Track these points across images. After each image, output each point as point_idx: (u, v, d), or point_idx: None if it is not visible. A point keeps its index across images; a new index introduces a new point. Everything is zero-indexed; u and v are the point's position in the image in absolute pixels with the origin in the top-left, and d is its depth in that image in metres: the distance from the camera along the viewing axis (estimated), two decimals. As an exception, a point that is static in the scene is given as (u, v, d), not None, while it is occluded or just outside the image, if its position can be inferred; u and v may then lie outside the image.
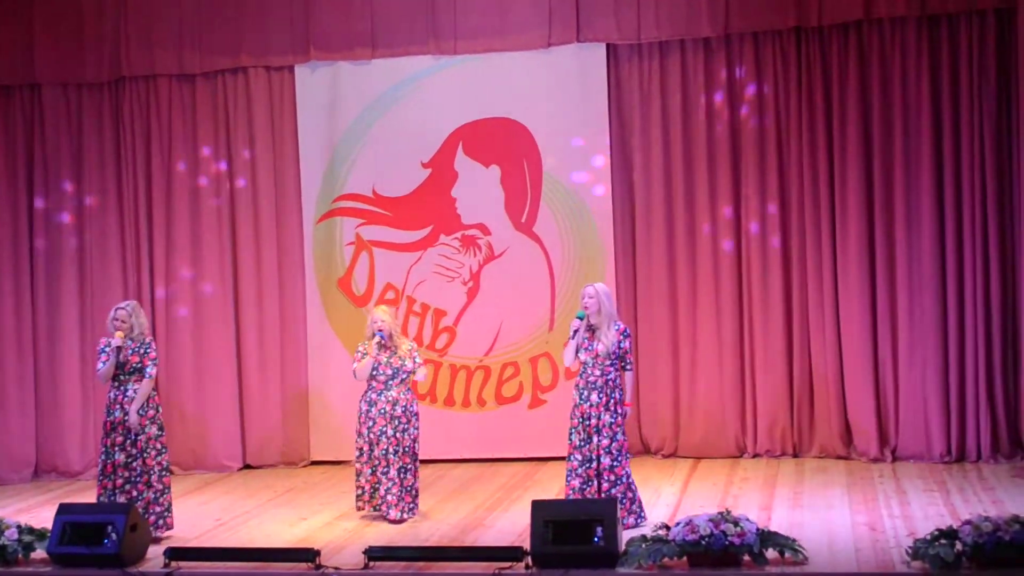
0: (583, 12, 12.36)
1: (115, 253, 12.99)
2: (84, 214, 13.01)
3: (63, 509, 9.25)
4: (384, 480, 9.99)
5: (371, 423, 10.08)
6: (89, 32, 12.92)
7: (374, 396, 10.10)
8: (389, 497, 9.96)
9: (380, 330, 10.06)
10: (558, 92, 12.52)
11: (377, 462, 10.04)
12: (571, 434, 9.61)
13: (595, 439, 9.46)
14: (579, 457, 9.54)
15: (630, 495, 9.50)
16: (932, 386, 11.64)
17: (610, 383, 9.47)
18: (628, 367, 9.55)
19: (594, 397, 9.48)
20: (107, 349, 9.89)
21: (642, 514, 9.56)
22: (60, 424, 12.87)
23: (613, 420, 9.43)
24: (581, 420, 9.53)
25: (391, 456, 9.99)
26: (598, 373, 9.49)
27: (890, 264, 11.75)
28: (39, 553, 9.18)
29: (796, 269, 12.04)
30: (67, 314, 12.91)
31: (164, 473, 9.93)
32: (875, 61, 11.78)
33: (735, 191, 12.19)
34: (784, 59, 12.05)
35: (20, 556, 9.14)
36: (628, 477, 9.51)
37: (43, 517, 10.02)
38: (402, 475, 10.01)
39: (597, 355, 9.49)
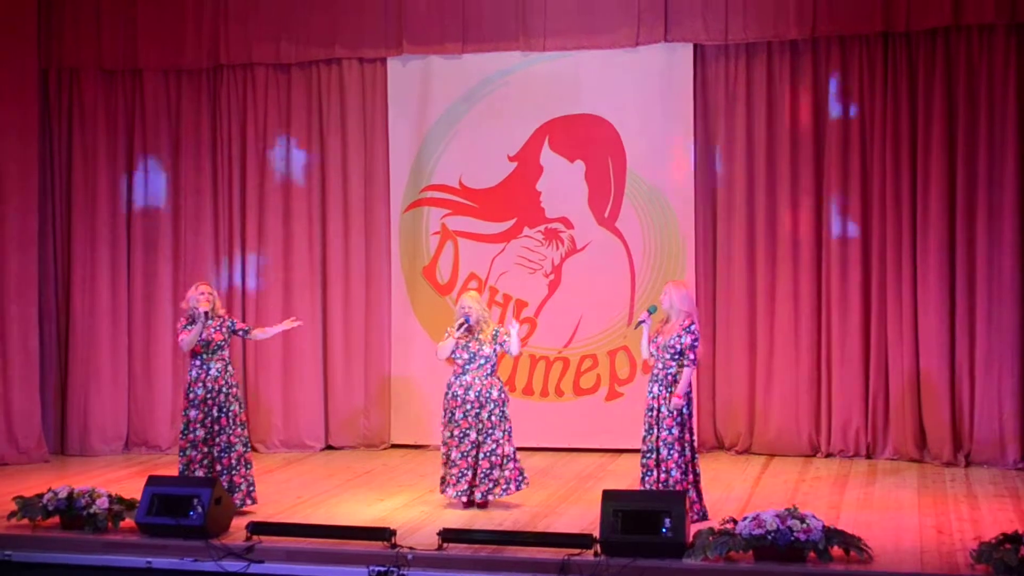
0: (671, 12, 12.46)
1: (208, 236, 13.32)
2: (180, 197, 13.35)
3: (152, 481, 9.54)
4: (456, 463, 10.15)
5: (446, 405, 10.26)
6: (189, 20, 13.24)
7: (451, 379, 10.27)
8: (462, 480, 10.11)
9: (467, 315, 10.20)
10: (644, 90, 12.65)
11: (447, 446, 10.23)
12: (644, 425, 9.73)
13: (655, 431, 9.56)
14: (643, 448, 9.66)
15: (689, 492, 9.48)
16: (1008, 392, 11.65)
17: (670, 377, 9.51)
18: (686, 363, 9.48)
19: (655, 389, 9.58)
20: (195, 317, 10.12)
21: (698, 513, 9.52)
22: (151, 399, 13.23)
23: (670, 413, 9.49)
24: (647, 412, 9.65)
25: (462, 440, 10.13)
26: (660, 366, 9.58)
27: (970, 270, 11.78)
28: (128, 522, 9.46)
29: (876, 273, 12.08)
30: (161, 295, 13.26)
31: (246, 449, 10.21)
32: (962, 68, 11.79)
33: (817, 194, 12.25)
34: (871, 63, 12.08)
35: (110, 524, 9.44)
36: (684, 474, 9.49)
37: (132, 488, 10.27)
38: (475, 458, 10.13)
39: (659, 348, 9.60)
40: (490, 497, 10.13)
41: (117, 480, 11.47)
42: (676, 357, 9.51)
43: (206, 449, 10.11)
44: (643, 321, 9.70)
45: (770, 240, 12.37)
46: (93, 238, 13.24)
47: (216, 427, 10.11)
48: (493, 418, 10.17)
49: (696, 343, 9.51)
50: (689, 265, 12.48)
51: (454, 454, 10.17)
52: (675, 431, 9.51)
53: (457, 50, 12.95)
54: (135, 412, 13.28)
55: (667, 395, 9.52)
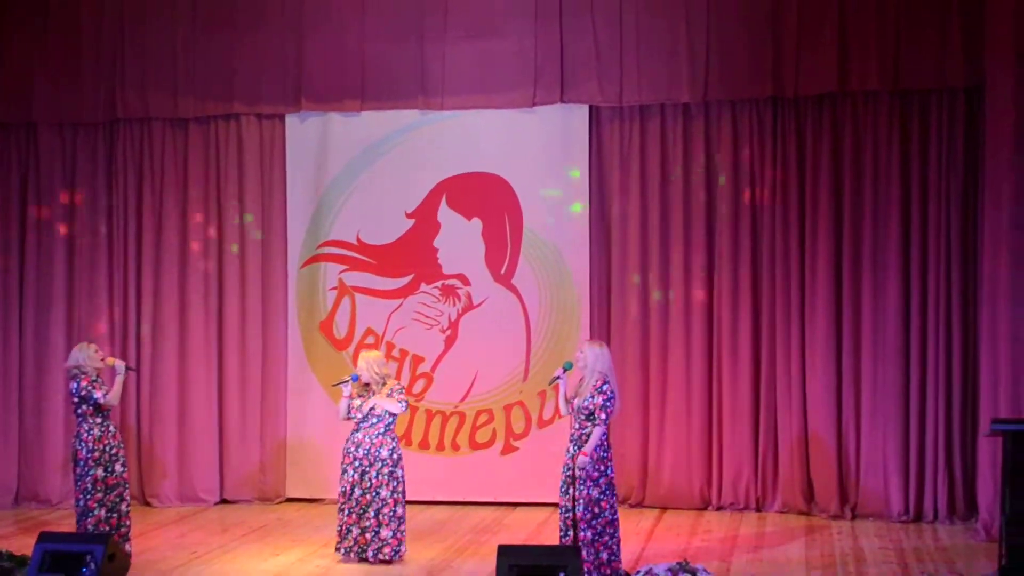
0: (567, 74, 12.63)
1: (103, 293, 13.22)
2: (75, 252, 13.25)
3: (43, 537, 9.34)
4: (343, 517, 10.19)
5: (343, 463, 10.31)
6: (86, 73, 13.17)
7: (349, 435, 10.34)
8: (347, 536, 10.16)
9: (355, 373, 10.33)
10: (541, 150, 12.79)
11: (339, 500, 10.27)
12: (561, 485, 9.63)
13: (572, 490, 9.46)
14: (561, 505, 9.59)
15: (593, 553, 9.39)
16: (893, 448, 11.90)
17: (584, 437, 9.44)
18: (597, 422, 9.40)
19: (571, 449, 9.50)
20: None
21: (616, 573, 9.47)
22: (43, 453, 13.07)
23: (582, 471, 9.46)
24: (564, 470, 9.55)
25: (349, 497, 10.18)
26: (576, 426, 9.52)
27: (856, 330, 12.04)
28: (19, 579, 9.34)
29: (766, 330, 12.29)
30: (54, 347, 13.12)
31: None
32: (848, 132, 12.09)
33: (709, 253, 12.45)
34: (761, 127, 12.34)
35: (0, 581, 9.38)
36: (597, 535, 9.40)
37: (22, 544, 10.19)
38: (357, 517, 10.16)
39: (573, 408, 9.62)
40: (380, 556, 10.14)
41: (7, 536, 11.30)
42: (589, 417, 9.43)
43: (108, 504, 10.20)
44: (558, 377, 9.71)
45: (663, 299, 12.54)
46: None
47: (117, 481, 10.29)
48: (381, 476, 10.20)
49: (608, 403, 9.43)
50: (584, 321, 12.62)
51: (344, 509, 10.21)
52: (593, 491, 9.41)
53: (356, 107, 13.02)
54: (25, 465, 13.11)
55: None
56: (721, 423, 12.38)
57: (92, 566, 9.03)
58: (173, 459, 13.06)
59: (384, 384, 10.35)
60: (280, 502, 13.03)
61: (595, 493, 9.42)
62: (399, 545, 10.22)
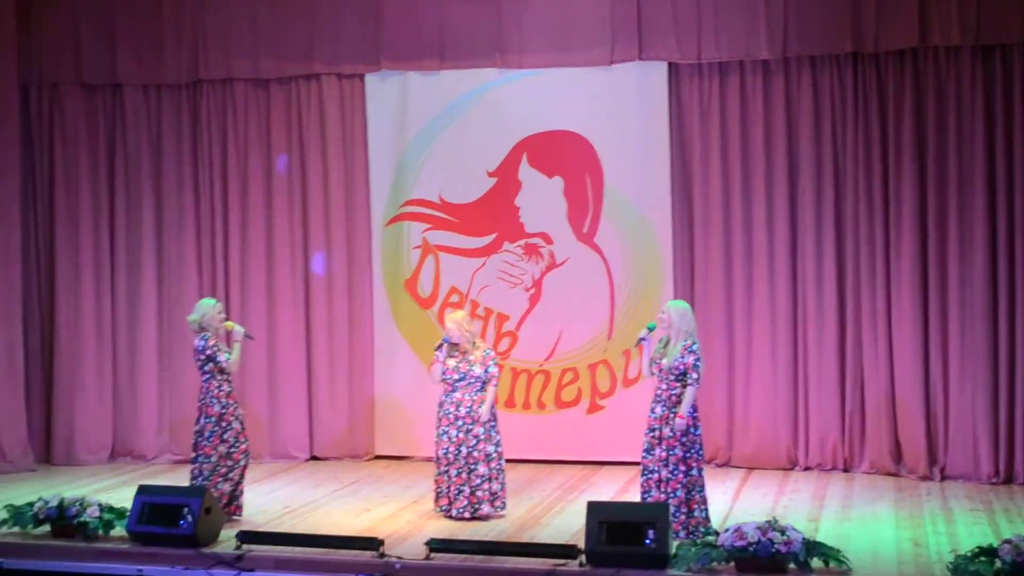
0: (645, 32, 12.61)
1: (191, 250, 13.42)
2: (162, 211, 13.44)
3: (143, 490, 9.67)
4: (449, 479, 10.30)
5: (438, 423, 10.42)
6: (168, 35, 13.34)
7: (443, 397, 10.43)
8: (459, 497, 10.25)
9: (446, 336, 10.43)
10: (620, 108, 12.79)
11: (439, 461, 10.38)
12: (645, 444, 9.74)
13: (656, 451, 9.61)
14: (644, 467, 9.68)
15: (686, 510, 9.54)
16: (982, 407, 11.82)
17: (673, 398, 9.54)
18: (689, 382, 9.51)
19: (658, 410, 9.60)
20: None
21: (697, 535, 9.47)
22: (136, 410, 13.32)
23: (672, 435, 9.54)
24: (648, 431, 9.66)
25: (456, 457, 10.29)
26: (664, 387, 9.61)
27: (942, 287, 11.97)
28: (118, 531, 9.58)
29: (850, 289, 12.24)
30: (145, 307, 13.36)
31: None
32: (930, 88, 11.99)
33: (791, 212, 12.42)
34: (841, 83, 12.25)
35: (100, 532, 9.56)
36: (688, 494, 9.54)
37: (119, 497, 10.38)
38: (467, 475, 10.28)
39: (661, 369, 9.66)
40: (491, 511, 10.27)
41: (104, 489, 11.54)
42: (680, 378, 9.53)
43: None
44: (643, 339, 9.78)
45: (746, 256, 12.51)
46: (76, 251, 13.33)
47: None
48: (486, 432, 10.33)
49: (699, 363, 9.55)
50: (668, 280, 12.62)
51: (451, 471, 10.30)
52: (678, 451, 9.53)
53: (435, 67, 13.08)
54: (120, 422, 13.34)
55: (670, 416, 9.55)
56: (807, 383, 12.37)
57: (189, 518, 9.29)
58: (264, 416, 13.24)
59: (474, 345, 10.44)
60: (369, 459, 13.19)
61: (681, 452, 9.52)
62: (505, 497, 10.41)
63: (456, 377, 10.36)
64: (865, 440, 12.25)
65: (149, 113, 13.52)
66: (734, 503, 10.96)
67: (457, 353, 10.41)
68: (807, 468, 12.35)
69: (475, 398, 10.36)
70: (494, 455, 10.35)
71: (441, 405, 10.43)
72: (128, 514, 9.57)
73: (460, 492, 10.28)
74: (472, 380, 10.37)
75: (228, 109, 13.44)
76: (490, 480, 10.31)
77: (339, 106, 13.35)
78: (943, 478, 11.88)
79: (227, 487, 10.27)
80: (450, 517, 10.29)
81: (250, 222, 13.35)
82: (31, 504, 9.77)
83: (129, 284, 13.40)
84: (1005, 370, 11.79)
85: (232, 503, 10.33)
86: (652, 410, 9.67)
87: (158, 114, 13.51)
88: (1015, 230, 11.80)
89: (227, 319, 10.63)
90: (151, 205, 13.45)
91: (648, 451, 9.63)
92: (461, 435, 10.31)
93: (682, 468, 9.51)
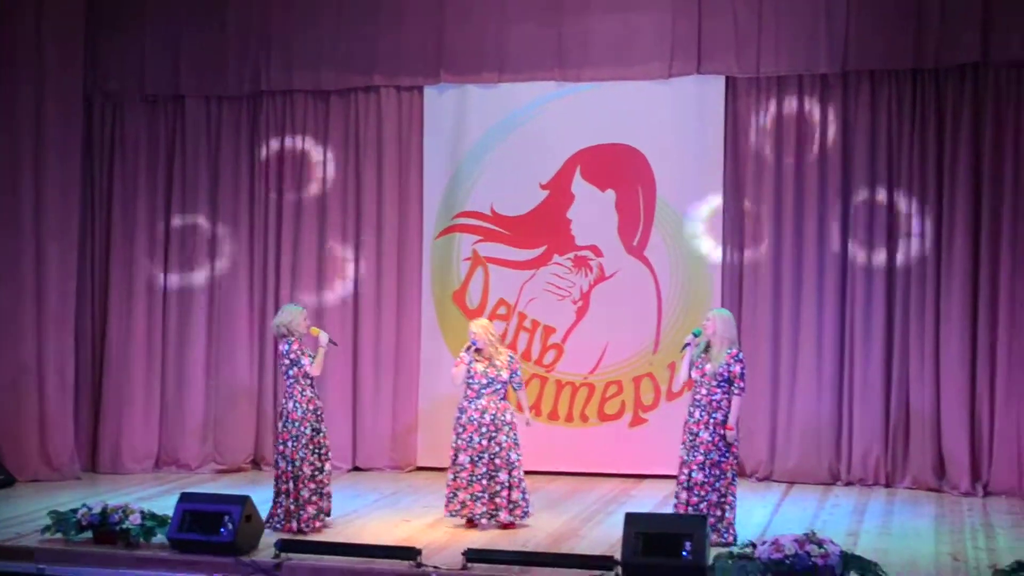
0: (704, 45, 12.63)
1: (244, 261, 13.54)
2: (218, 220, 13.59)
3: (184, 497, 9.74)
4: (471, 486, 10.30)
5: (460, 429, 10.42)
6: (231, 47, 13.51)
7: (465, 404, 10.44)
8: (478, 503, 10.26)
9: (474, 339, 10.41)
10: (676, 121, 12.80)
11: (460, 468, 10.37)
12: (681, 450, 9.87)
13: (691, 455, 9.74)
14: (685, 472, 9.77)
15: (718, 514, 9.68)
16: (1028, 423, 11.72)
17: (713, 403, 9.70)
18: (736, 391, 9.71)
19: (696, 414, 9.74)
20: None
21: (728, 535, 9.69)
22: (182, 421, 13.43)
23: (710, 439, 9.65)
24: (688, 436, 9.81)
25: (477, 463, 10.31)
26: (704, 392, 9.76)
27: (992, 302, 11.88)
28: (159, 538, 9.66)
29: (899, 304, 12.18)
30: (197, 319, 13.51)
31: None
32: (989, 104, 11.90)
33: (843, 226, 12.36)
34: (899, 99, 12.21)
35: (141, 540, 9.65)
36: (722, 497, 9.69)
37: (162, 505, 10.44)
38: (487, 481, 10.30)
39: (704, 374, 9.76)
40: (514, 519, 10.29)
41: (148, 497, 11.62)
42: (722, 385, 9.68)
43: (313, 463, 10.38)
44: (689, 344, 9.89)
45: (795, 272, 12.48)
46: (131, 264, 13.52)
47: (322, 443, 10.47)
48: (510, 439, 10.37)
49: (744, 371, 9.75)
50: (715, 295, 12.60)
51: (471, 477, 10.32)
52: (714, 455, 9.66)
53: (493, 79, 13.16)
54: (165, 432, 13.48)
55: (708, 420, 9.68)
56: (852, 397, 12.30)
57: (230, 526, 9.35)
58: (308, 426, 13.34)
59: (498, 350, 10.48)
60: (411, 470, 13.25)
61: (717, 457, 9.66)
62: (528, 507, 10.39)
63: (483, 382, 10.39)
64: (908, 455, 12.17)
65: (209, 124, 13.68)
66: (774, 516, 10.92)
67: (482, 358, 10.42)
68: (849, 483, 12.28)
69: (499, 405, 10.38)
70: (516, 463, 10.37)
71: (463, 411, 10.44)
72: (169, 521, 9.68)
73: (479, 498, 10.29)
74: (499, 386, 10.40)
75: (287, 121, 13.58)
76: (510, 488, 10.32)
77: (397, 118, 13.45)
78: (986, 494, 11.78)
79: (308, 470, 10.28)
80: (469, 521, 10.32)
81: (302, 234, 13.47)
82: (75, 511, 9.87)
83: (180, 297, 13.56)
84: (1053, 384, 11.67)
85: (295, 516, 10.26)
86: (691, 415, 9.80)
87: (218, 125, 13.67)
88: (1067, 243, 11.67)
89: (309, 325, 10.62)
90: (206, 217, 13.61)
91: (689, 455, 9.75)
92: (485, 442, 10.33)
93: (715, 472, 9.67)
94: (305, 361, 10.32)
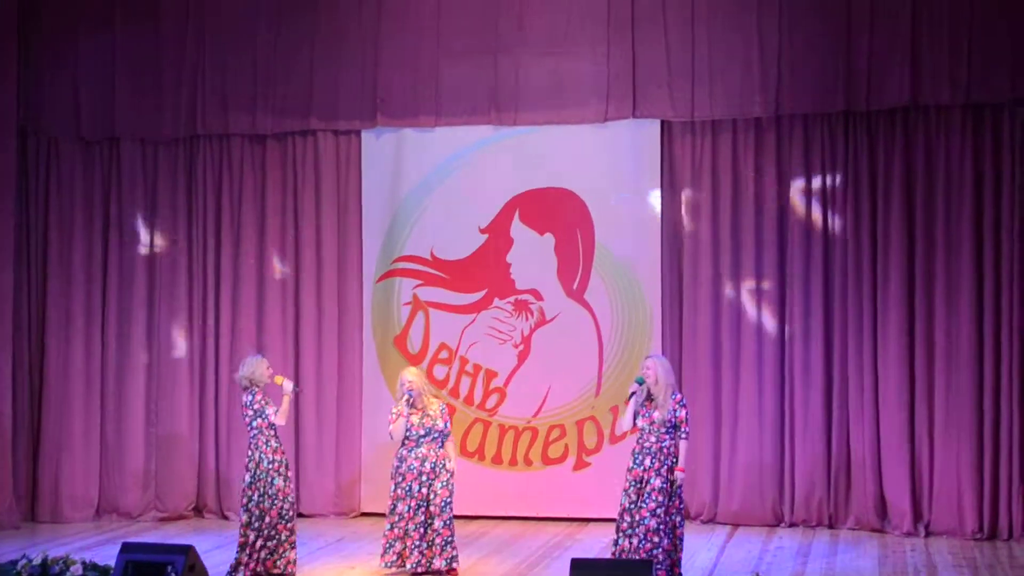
0: (639, 89, 12.72)
1: (182, 305, 13.47)
2: (155, 266, 13.50)
3: (126, 548, 9.60)
4: (409, 534, 10.27)
5: (400, 479, 10.39)
6: (167, 90, 13.44)
7: (404, 453, 10.41)
8: (415, 551, 10.23)
9: (410, 390, 10.39)
10: (613, 165, 12.89)
11: (399, 517, 10.33)
12: (623, 496, 9.90)
13: (643, 503, 9.74)
14: (628, 519, 9.83)
15: (671, 560, 9.74)
16: (966, 463, 11.83)
17: (664, 450, 9.78)
18: (684, 435, 9.85)
19: (647, 462, 9.80)
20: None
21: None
22: (123, 466, 13.29)
23: (662, 485, 9.70)
24: (633, 483, 9.84)
25: (416, 512, 10.28)
26: (653, 439, 9.82)
27: (929, 342, 12.00)
28: (101, 590, 9.59)
29: (838, 345, 12.28)
30: (135, 359, 13.39)
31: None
32: (920, 146, 12.08)
33: (780, 267, 12.47)
34: (832, 141, 12.36)
35: (83, 591, 9.56)
36: (668, 539, 9.74)
37: (104, 554, 10.38)
38: (426, 529, 10.28)
39: (653, 422, 9.82)
40: (453, 565, 10.26)
41: (89, 547, 11.54)
42: (670, 431, 9.77)
43: (272, 515, 10.33)
44: (634, 393, 9.93)
45: (735, 314, 12.57)
46: (68, 304, 13.39)
47: (283, 494, 10.41)
48: (447, 487, 10.36)
49: (688, 415, 9.91)
50: (656, 336, 12.68)
51: (409, 526, 10.29)
52: (662, 500, 9.71)
53: (430, 123, 13.17)
54: (106, 478, 13.33)
55: (660, 467, 9.74)
56: (793, 439, 12.39)
57: (174, 576, 9.27)
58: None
59: (429, 400, 10.49)
60: (355, 516, 13.18)
61: (669, 501, 9.77)
62: (456, 552, 10.39)
63: (421, 432, 10.37)
64: (851, 496, 12.26)
65: (145, 167, 13.60)
66: (720, 558, 10.96)
67: (416, 410, 10.41)
68: (792, 524, 12.34)
69: (439, 453, 10.38)
70: (448, 509, 10.35)
71: (403, 460, 10.40)
72: (112, 572, 9.54)
73: (416, 547, 10.26)
74: (436, 435, 10.39)
75: (224, 164, 13.52)
76: (451, 535, 10.32)
77: (335, 162, 13.44)
78: (928, 534, 11.89)
79: (268, 544, 10.23)
80: (402, 571, 10.28)
81: (242, 276, 13.40)
82: (15, 563, 9.76)
83: (119, 337, 13.43)
84: (990, 424, 11.83)
85: (274, 560, 10.26)
86: (639, 462, 9.84)
87: (154, 168, 13.59)
88: (1001, 288, 11.86)
89: (273, 375, 10.58)
90: (144, 259, 13.51)
91: (636, 504, 9.77)
92: (424, 490, 10.32)
93: (666, 518, 9.71)
94: (269, 411, 10.30)
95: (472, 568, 10.62)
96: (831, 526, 12.25)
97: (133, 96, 13.48)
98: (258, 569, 10.16)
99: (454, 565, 10.30)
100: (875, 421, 12.14)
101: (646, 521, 9.68)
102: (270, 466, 10.26)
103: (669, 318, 12.78)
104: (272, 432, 10.33)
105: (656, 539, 9.64)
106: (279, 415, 10.32)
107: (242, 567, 10.14)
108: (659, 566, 9.53)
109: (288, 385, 10.44)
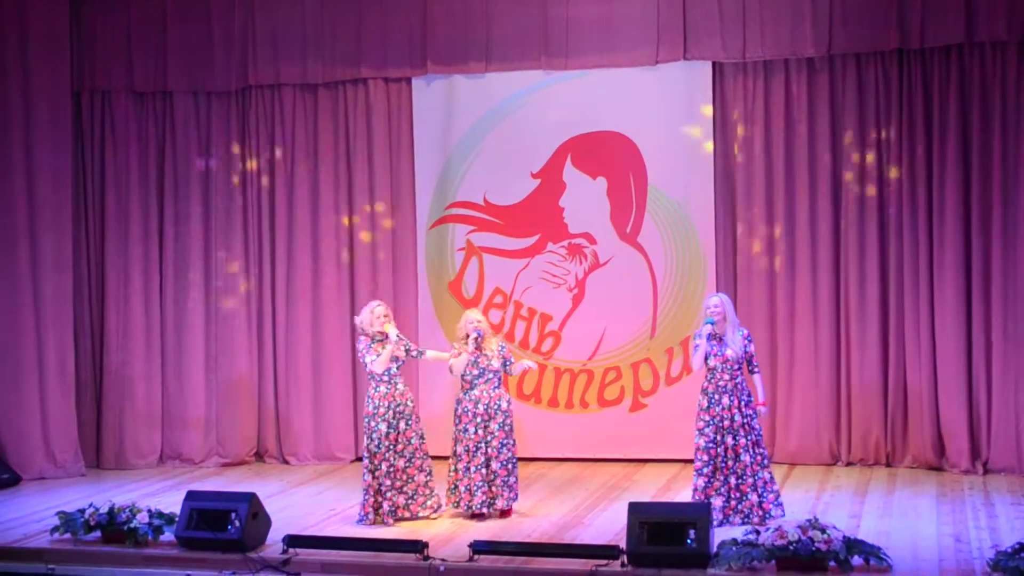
0: (690, 31, 12.65)
1: (238, 252, 13.59)
2: (210, 215, 13.60)
3: (191, 496, 9.82)
4: (469, 475, 10.40)
5: (456, 421, 10.53)
6: (217, 42, 13.53)
7: (461, 395, 10.56)
8: (477, 492, 10.35)
9: (478, 329, 10.49)
10: (664, 107, 12.84)
11: (459, 459, 10.47)
12: (698, 437, 10.01)
13: (730, 440, 9.92)
14: (705, 458, 9.97)
15: (775, 489, 10.07)
16: (1025, 401, 11.80)
17: (739, 386, 9.99)
18: (755, 369, 10.11)
19: (725, 400, 9.94)
20: (377, 338, 10.52)
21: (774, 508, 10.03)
22: (184, 414, 13.48)
23: (744, 421, 9.93)
24: (712, 422, 9.97)
25: (475, 453, 10.40)
26: (727, 377, 9.96)
27: (986, 281, 11.93)
28: (167, 536, 9.75)
29: (894, 284, 12.24)
30: (192, 313, 13.53)
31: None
32: (975, 84, 11.95)
33: (835, 208, 12.42)
34: (886, 80, 12.24)
35: (150, 538, 9.73)
36: (766, 471, 10.02)
37: (168, 501, 10.57)
38: (484, 470, 10.40)
39: (726, 360, 9.96)
40: (510, 504, 10.40)
41: (153, 494, 11.75)
42: (741, 366, 10.00)
43: (392, 460, 10.41)
44: (710, 333, 10.06)
45: (789, 254, 12.54)
46: (126, 257, 13.52)
47: (402, 439, 10.45)
48: (505, 428, 10.47)
49: (755, 349, 10.20)
50: (710, 279, 12.67)
51: (471, 467, 10.41)
52: (752, 436, 9.98)
53: (480, 69, 13.18)
54: (168, 426, 13.53)
55: (738, 403, 9.96)
56: (850, 378, 12.36)
57: (237, 523, 9.43)
58: (309, 418, 13.41)
59: (488, 340, 10.59)
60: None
61: (755, 437, 10.03)
62: (519, 489, 10.57)
63: (475, 373, 10.48)
64: (908, 435, 12.24)
65: (199, 120, 13.69)
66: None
67: (479, 349, 10.50)
68: (849, 463, 12.36)
69: (493, 394, 10.48)
70: (504, 450, 10.45)
71: (459, 402, 10.54)
72: (176, 519, 9.75)
73: (479, 488, 10.38)
74: (490, 376, 10.49)
75: (276, 114, 13.59)
76: (508, 475, 10.44)
77: (386, 110, 13.48)
78: (986, 471, 11.86)
79: (385, 467, 10.37)
80: (470, 511, 10.40)
81: (297, 226, 13.50)
82: (82, 511, 9.95)
83: (177, 290, 13.58)
84: (1050, 360, 11.77)
85: (378, 509, 10.40)
86: (717, 401, 9.97)
87: (208, 120, 13.69)
88: (1062, 217, 11.75)
89: (389, 321, 10.59)
90: (199, 211, 13.62)
91: (716, 443, 9.93)
92: (480, 432, 10.43)
93: (759, 451, 9.99)
94: (366, 359, 10.42)
95: (532, 509, 10.71)
96: (889, 464, 12.25)
97: (184, 48, 13.56)
98: (378, 508, 10.36)
99: (511, 505, 10.43)
100: (932, 358, 12.09)
101: (742, 456, 9.91)
102: (375, 411, 10.41)
103: (723, 260, 12.77)
104: (380, 378, 10.43)
105: (755, 471, 9.92)
106: (377, 362, 10.40)
107: (363, 504, 10.38)
108: (764, 499, 9.89)
109: (392, 332, 10.48)
